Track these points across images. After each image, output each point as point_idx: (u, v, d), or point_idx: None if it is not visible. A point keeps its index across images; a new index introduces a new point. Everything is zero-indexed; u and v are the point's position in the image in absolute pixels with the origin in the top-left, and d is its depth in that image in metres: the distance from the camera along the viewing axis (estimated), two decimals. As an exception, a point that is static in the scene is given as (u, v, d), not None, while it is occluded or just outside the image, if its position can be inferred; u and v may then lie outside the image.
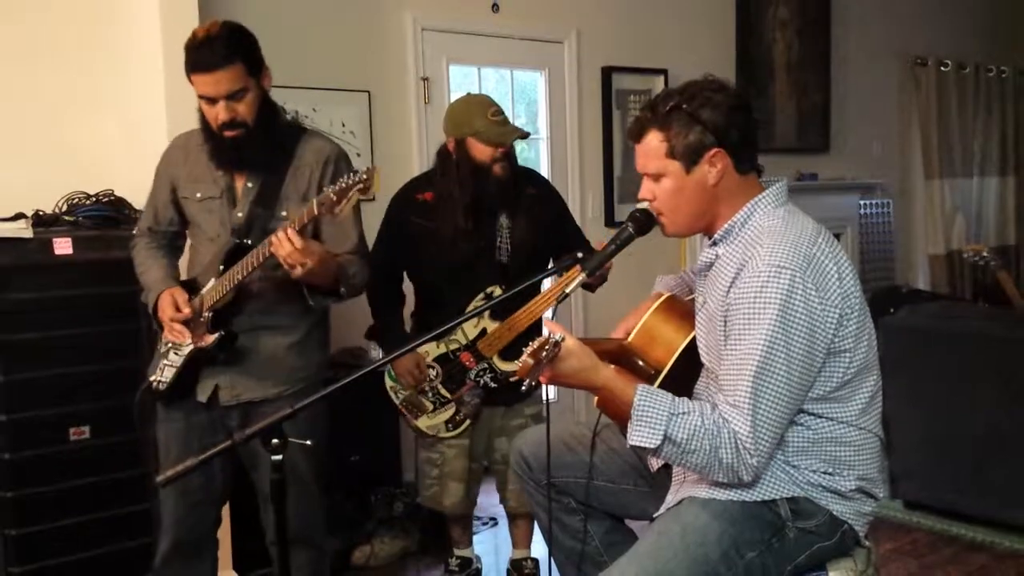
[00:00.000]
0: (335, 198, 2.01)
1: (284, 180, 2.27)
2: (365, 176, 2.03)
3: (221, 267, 2.23)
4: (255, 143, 2.21)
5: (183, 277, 2.43)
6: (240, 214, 2.26)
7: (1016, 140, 7.34)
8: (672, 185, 1.80)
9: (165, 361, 2.31)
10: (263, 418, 2.22)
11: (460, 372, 2.82)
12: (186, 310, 2.24)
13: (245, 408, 2.32)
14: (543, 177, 3.13)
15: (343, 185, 2.02)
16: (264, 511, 2.42)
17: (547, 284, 2.82)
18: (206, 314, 2.25)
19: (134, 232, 2.48)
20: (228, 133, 2.18)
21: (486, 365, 2.80)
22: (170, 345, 2.32)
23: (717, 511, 1.75)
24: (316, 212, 2.04)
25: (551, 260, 2.85)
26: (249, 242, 2.23)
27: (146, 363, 2.46)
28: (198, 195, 2.30)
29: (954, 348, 3.57)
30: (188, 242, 2.47)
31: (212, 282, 2.24)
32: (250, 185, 2.27)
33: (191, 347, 2.27)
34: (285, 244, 2.05)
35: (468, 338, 2.80)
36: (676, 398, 1.71)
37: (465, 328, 2.80)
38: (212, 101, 2.15)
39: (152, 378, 2.33)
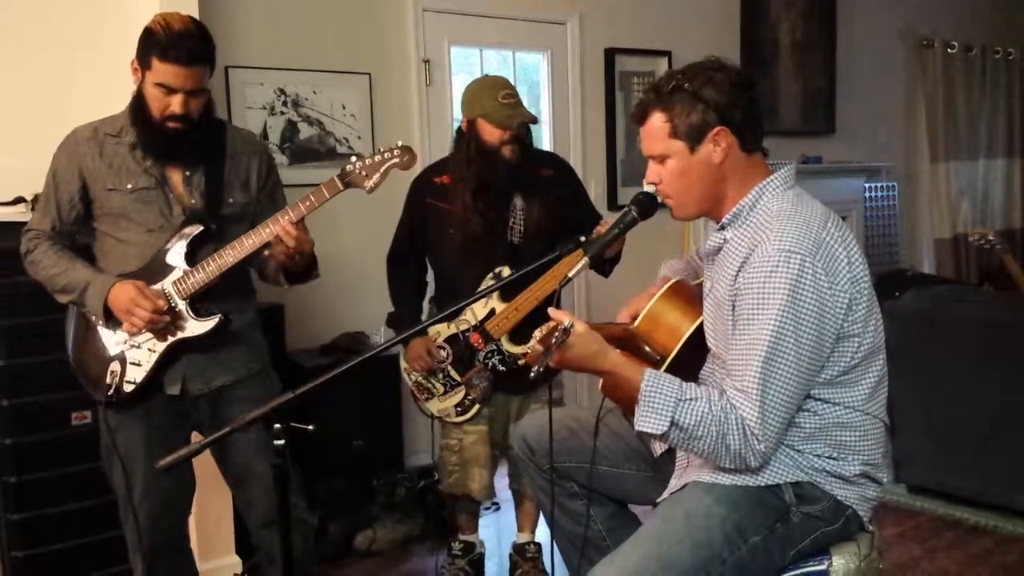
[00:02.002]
0: (365, 173, 2.03)
1: (224, 168, 2.28)
2: (399, 151, 2.03)
3: (185, 253, 2.19)
4: (192, 137, 2.19)
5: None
6: (193, 202, 2.24)
7: (1023, 122, 7.28)
8: (677, 166, 1.78)
9: (129, 361, 2.21)
10: (232, 403, 2.25)
11: (469, 354, 2.83)
12: (161, 302, 2.15)
13: (214, 395, 2.29)
14: (561, 158, 3.13)
15: (373, 161, 2.02)
16: (239, 495, 2.40)
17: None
18: (182, 303, 2.19)
19: (28, 235, 2.30)
20: (171, 124, 2.16)
21: (495, 347, 2.80)
22: (128, 343, 2.22)
23: (721, 496, 1.74)
24: (341, 187, 2.06)
25: None
26: (215, 227, 2.22)
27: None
28: (129, 186, 2.21)
29: (959, 332, 3.56)
30: (101, 237, 2.30)
31: (179, 270, 2.19)
32: (188, 174, 2.25)
33: (168, 340, 2.20)
34: (289, 239, 2.10)
35: (477, 318, 2.80)
36: (684, 383, 1.70)
37: (475, 308, 2.80)
38: (170, 91, 2.13)
39: (110, 381, 2.21)
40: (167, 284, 2.20)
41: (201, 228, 2.21)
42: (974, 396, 3.48)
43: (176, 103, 2.13)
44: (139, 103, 2.19)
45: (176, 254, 2.20)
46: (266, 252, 2.18)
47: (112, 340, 2.23)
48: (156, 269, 2.21)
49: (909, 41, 6.46)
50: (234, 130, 2.39)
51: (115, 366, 2.22)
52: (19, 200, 2.78)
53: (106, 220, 2.26)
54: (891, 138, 6.45)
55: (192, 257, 2.20)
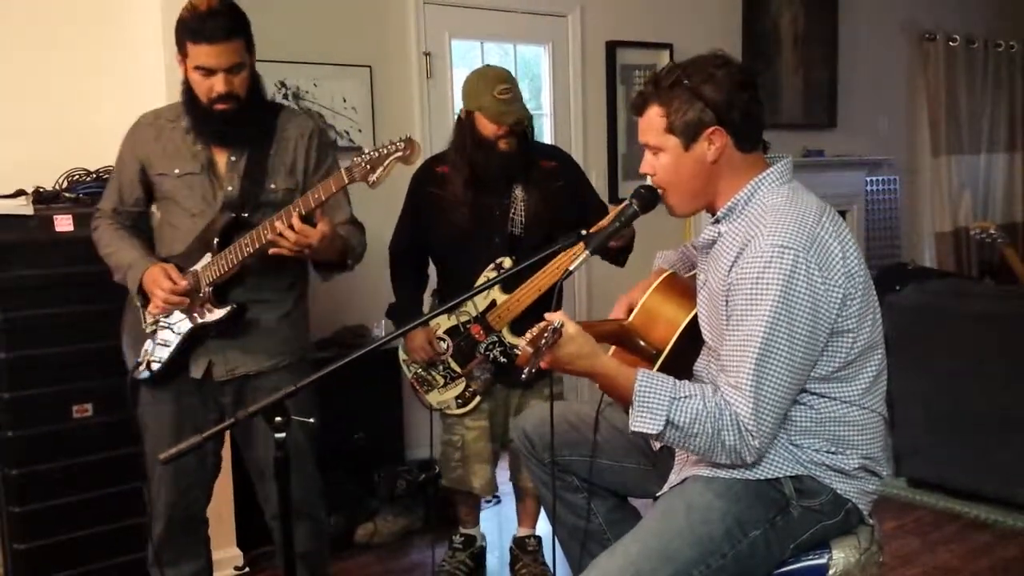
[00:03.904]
0: (369, 167, 2.05)
1: (269, 154, 2.28)
2: (403, 144, 2.06)
3: (216, 242, 2.22)
4: (243, 118, 2.22)
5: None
6: (231, 188, 2.26)
7: (1025, 116, 7.28)
8: (670, 161, 1.78)
9: (156, 341, 2.28)
10: (257, 392, 2.26)
11: (470, 345, 2.83)
12: (183, 283, 2.20)
13: (239, 383, 2.32)
14: (565, 153, 3.12)
15: (377, 154, 2.05)
16: (260, 487, 2.43)
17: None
18: (206, 289, 2.23)
19: (95, 214, 2.41)
20: (219, 106, 2.18)
21: (496, 338, 2.80)
22: (160, 323, 2.28)
23: (721, 489, 1.74)
24: (347, 181, 2.08)
25: None
26: (246, 215, 2.23)
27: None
28: (176, 171, 2.27)
29: (960, 326, 3.56)
30: (159, 220, 2.39)
31: (207, 257, 2.23)
32: (234, 159, 2.26)
33: (191, 324, 2.25)
34: (289, 234, 2.09)
35: (478, 310, 2.81)
36: (677, 382, 1.70)
37: (476, 299, 2.81)
38: (209, 73, 2.15)
39: (140, 359, 2.30)
40: (198, 269, 2.24)
41: (232, 215, 2.23)
42: (975, 390, 3.48)
43: (218, 83, 2.15)
44: (187, 92, 2.23)
45: (208, 240, 2.24)
46: (271, 251, 2.17)
47: (148, 320, 2.30)
48: (193, 254, 2.26)
49: (911, 34, 6.45)
50: (289, 113, 2.39)
51: (148, 344, 2.29)
52: (20, 193, 2.77)
53: (161, 204, 2.35)
54: (893, 131, 6.44)
55: (225, 243, 2.22)
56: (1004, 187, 7.14)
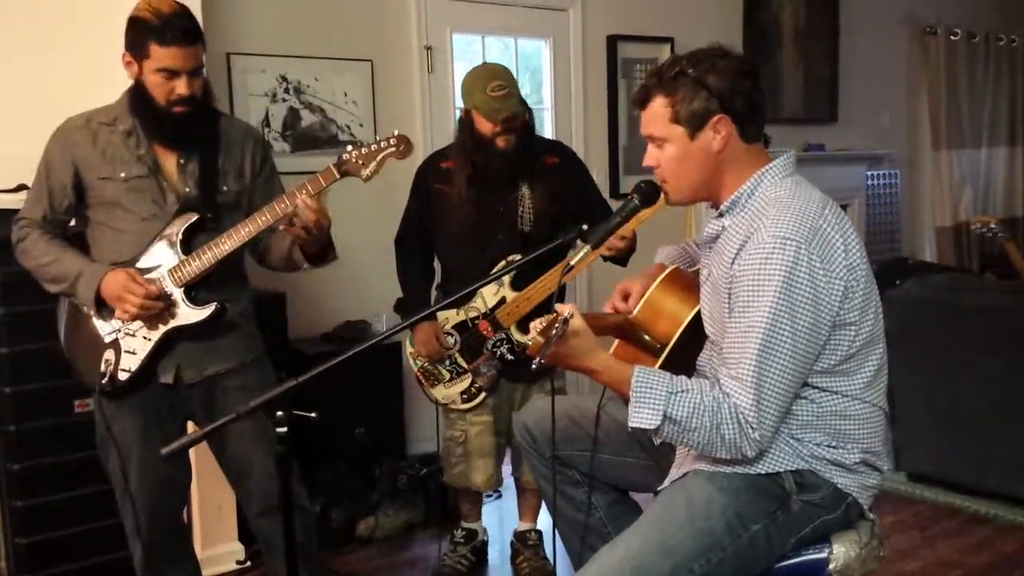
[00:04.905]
0: (361, 162, 2.06)
1: (218, 156, 2.27)
2: (395, 141, 2.07)
3: (180, 242, 2.19)
4: (197, 120, 2.21)
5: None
6: (188, 189, 2.24)
7: (1026, 110, 7.27)
8: (676, 151, 1.78)
9: (123, 349, 2.20)
10: (227, 392, 2.26)
11: (478, 341, 2.83)
12: (153, 288, 2.15)
13: (208, 384, 2.29)
14: (569, 149, 3.12)
15: (368, 150, 2.05)
16: (241, 487, 2.40)
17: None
18: (177, 291, 2.19)
19: (19, 224, 2.28)
20: (179, 108, 2.16)
21: (504, 335, 2.81)
22: (122, 331, 2.21)
23: (722, 484, 1.74)
24: (338, 175, 2.09)
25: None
26: (210, 215, 2.22)
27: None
28: (122, 175, 2.20)
29: (960, 320, 3.56)
30: (94, 225, 2.28)
31: (173, 259, 2.19)
32: (183, 162, 2.24)
33: (164, 327, 2.20)
34: (310, 210, 2.12)
35: (487, 306, 2.81)
36: (675, 377, 1.70)
37: (485, 296, 2.81)
38: (173, 75, 2.13)
39: (104, 370, 2.19)
40: (162, 272, 2.20)
41: (196, 216, 2.21)
42: (975, 384, 3.48)
43: (181, 85, 2.13)
44: (140, 94, 2.18)
45: (171, 242, 2.20)
46: (282, 228, 2.17)
47: (106, 329, 2.22)
48: (150, 257, 2.20)
49: (912, 28, 6.44)
50: (227, 118, 2.39)
51: (109, 355, 2.21)
52: (21, 187, 2.77)
53: (100, 209, 2.25)
54: (893, 126, 6.43)
55: (188, 245, 2.20)
56: (1005, 181, 7.14)
